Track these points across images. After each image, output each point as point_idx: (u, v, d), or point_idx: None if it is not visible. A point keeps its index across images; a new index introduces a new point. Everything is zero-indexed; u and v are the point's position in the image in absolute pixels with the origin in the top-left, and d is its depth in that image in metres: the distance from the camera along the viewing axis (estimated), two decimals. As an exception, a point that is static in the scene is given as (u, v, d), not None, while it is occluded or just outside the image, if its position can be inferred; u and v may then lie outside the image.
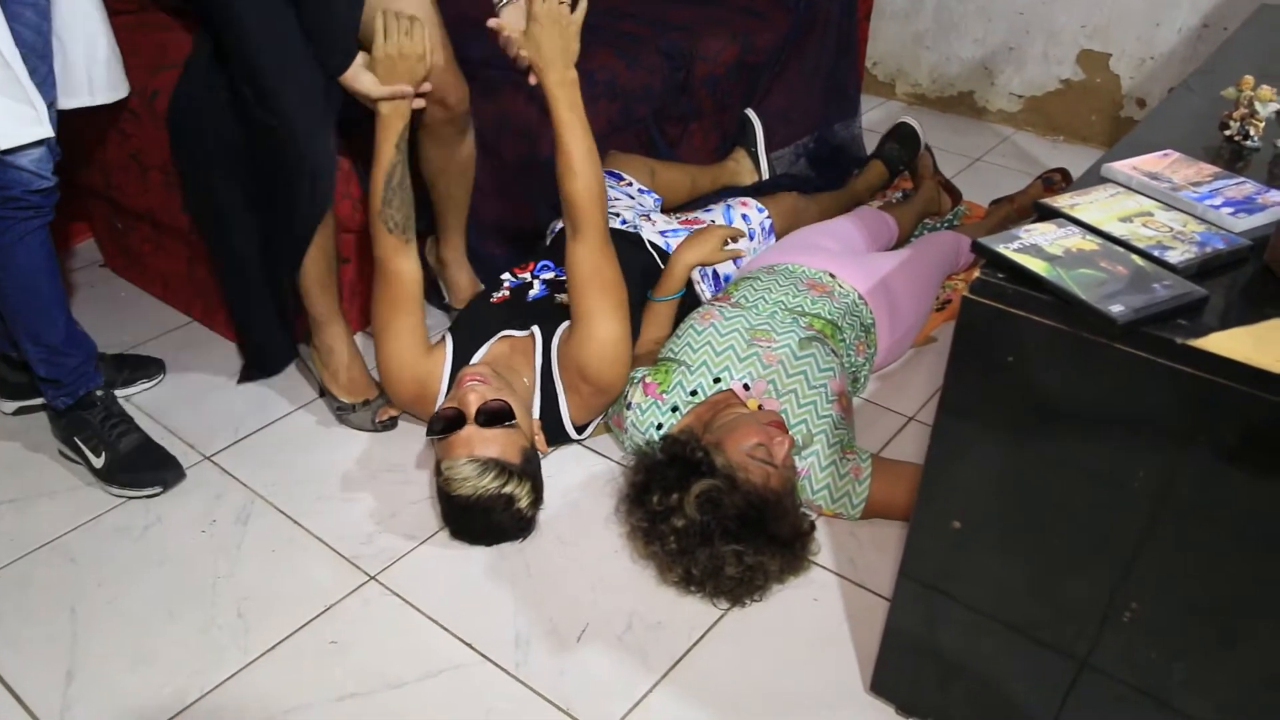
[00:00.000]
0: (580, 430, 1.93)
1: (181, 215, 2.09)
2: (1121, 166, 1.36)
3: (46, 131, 1.59)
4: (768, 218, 2.32)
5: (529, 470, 1.72)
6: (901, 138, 2.79)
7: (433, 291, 2.35)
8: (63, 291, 1.80)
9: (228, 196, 1.92)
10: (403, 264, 1.85)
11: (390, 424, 2.06)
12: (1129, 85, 3.14)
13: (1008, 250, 1.12)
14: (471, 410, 1.66)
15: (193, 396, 2.14)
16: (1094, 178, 1.38)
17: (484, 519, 1.69)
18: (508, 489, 1.65)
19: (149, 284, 2.47)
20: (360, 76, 1.72)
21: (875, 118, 3.41)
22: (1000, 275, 1.10)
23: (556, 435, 1.89)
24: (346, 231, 2.12)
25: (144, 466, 1.88)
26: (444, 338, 1.94)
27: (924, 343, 2.22)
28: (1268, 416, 0.98)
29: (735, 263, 2.21)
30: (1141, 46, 3.08)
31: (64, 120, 1.71)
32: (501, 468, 1.65)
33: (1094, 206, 1.25)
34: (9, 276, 1.70)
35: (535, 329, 1.91)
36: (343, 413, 2.07)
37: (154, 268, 2.40)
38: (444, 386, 1.89)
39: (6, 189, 1.61)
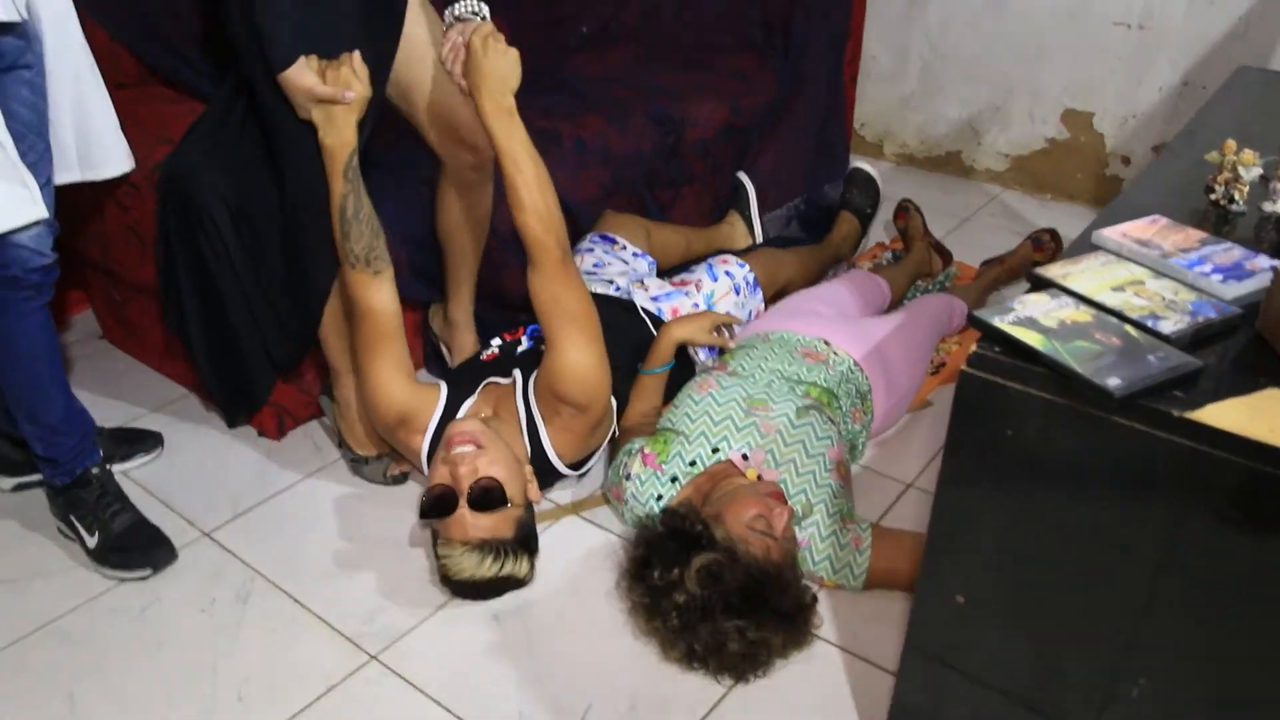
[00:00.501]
0: (571, 466, 1.92)
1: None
2: (1111, 234, 1.38)
3: (42, 212, 1.60)
4: (750, 272, 2.34)
5: (524, 539, 1.73)
6: (860, 183, 2.85)
7: (435, 359, 2.37)
8: (62, 370, 1.80)
9: (214, 256, 1.89)
10: (374, 297, 1.82)
11: (401, 479, 2.07)
12: (1113, 143, 3.19)
13: (1003, 323, 1.13)
14: (464, 487, 1.66)
15: (191, 471, 2.13)
16: (1084, 245, 1.40)
17: (486, 592, 1.73)
18: (506, 569, 1.66)
19: (147, 356, 2.47)
20: (304, 74, 1.66)
21: (865, 179, 3.45)
22: (997, 348, 1.11)
23: (547, 475, 1.90)
24: None
25: (135, 547, 1.87)
26: (438, 384, 1.96)
27: (920, 407, 2.23)
28: (1265, 486, 0.99)
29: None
30: (1123, 105, 3.13)
31: (62, 193, 1.72)
32: (498, 549, 1.65)
33: (1086, 275, 1.26)
34: (8, 357, 1.70)
35: (516, 372, 1.93)
36: (356, 465, 2.08)
37: (151, 340, 2.41)
38: (431, 428, 1.89)
39: (5, 268, 1.62)
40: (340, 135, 1.71)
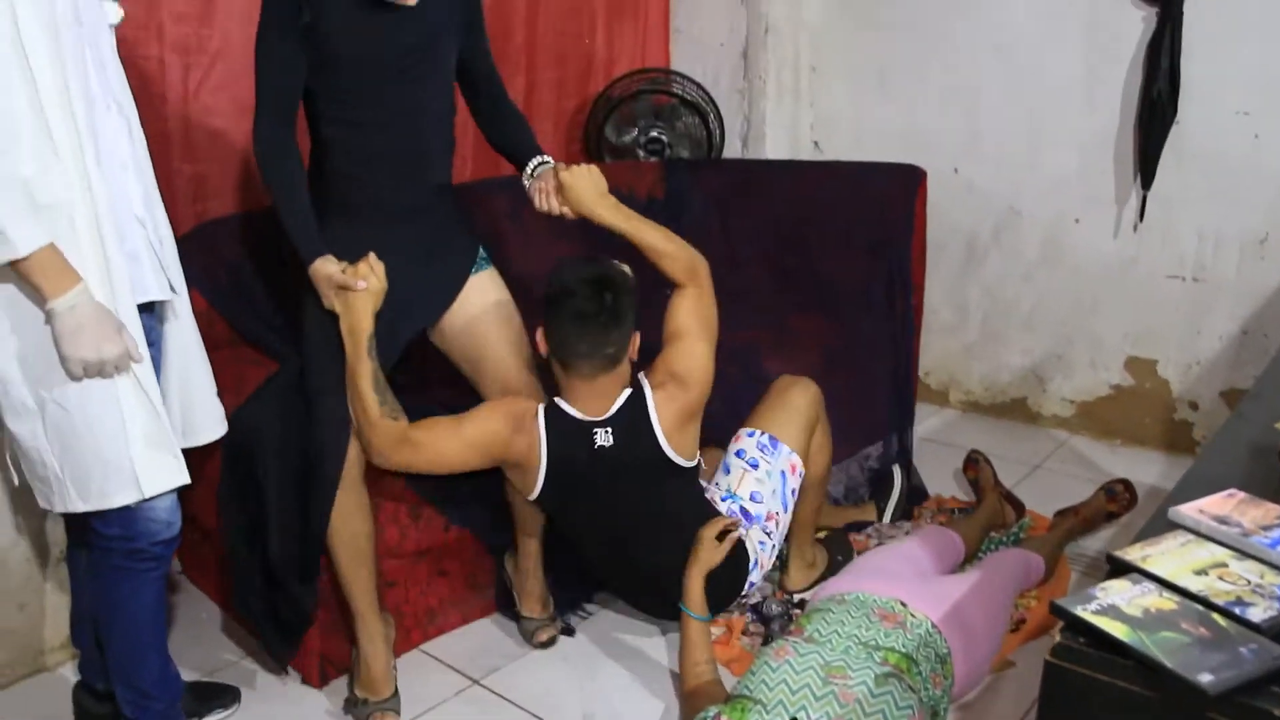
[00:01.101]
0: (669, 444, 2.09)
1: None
2: (1189, 510, 1.39)
3: (186, 478, 1.69)
4: (763, 434, 2.25)
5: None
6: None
7: (506, 600, 2.38)
8: (164, 635, 1.84)
9: (269, 500, 2.02)
10: (407, 428, 1.97)
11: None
12: (1179, 389, 3.21)
13: (1086, 613, 1.13)
14: None
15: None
16: (1162, 521, 1.41)
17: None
18: None
19: (216, 596, 2.51)
20: (326, 263, 1.94)
21: (932, 426, 3.49)
22: (1081, 639, 1.11)
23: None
24: (391, 556, 2.17)
25: None
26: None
27: (1002, 668, 2.17)
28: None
29: (766, 536, 2.23)
30: (1185, 353, 3.18)
31: None
32: None
33: (1167, 558, 1.27)
34: (116, 623, 1.75)
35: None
36: (349, 705, 2.10)
37: (216, 581, 2.46)
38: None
39: (132, 540, 1.68)
40: (357, 320, 1.93)
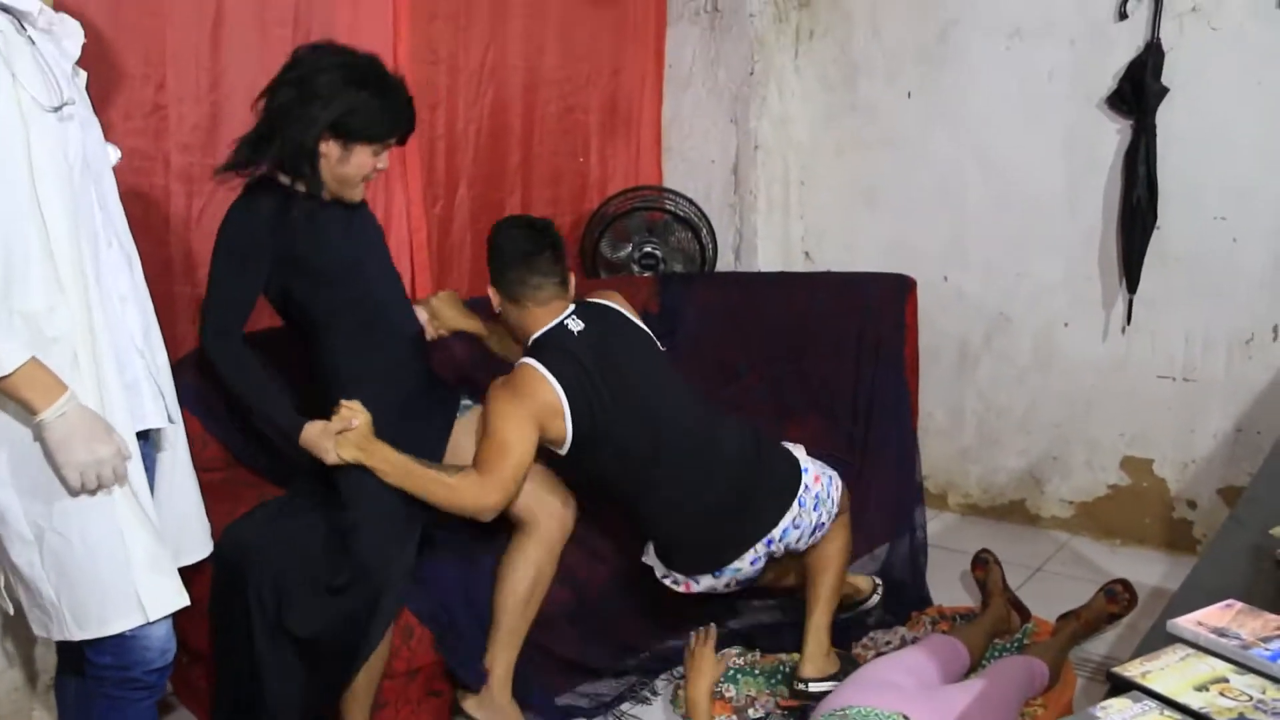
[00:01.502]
0: None
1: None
2: (1187, 623, 1.39)
3: (186, 599, 1.68)
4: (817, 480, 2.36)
5: None
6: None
7: None
8: None
9: (258, 620, 2.04)
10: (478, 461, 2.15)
11: None
12: (1176, 488, 3.22)
13: (1089, 735, 1.13)
14: None
15: None
16: (1161, 634, 1.41)
17: None
18: None
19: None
20: (312, 425, 2.08)
21: (931, 530, 3.44)
22: (1085, 762, 1.10)
23: None
24: (382, 676, 2.14)
25: None
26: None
27: (1012, 780, 2.13)
28: None
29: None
30: (1180, 452, 3.19)
31: None
32: None
33: (1167, 674, 1.26)
34: None
35: None
36: None
37: (206, 704, 2.41)
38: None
39: (126, 669, 1.66)
40: (383, 455, 2.07)
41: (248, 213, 2.11)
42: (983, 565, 2.85)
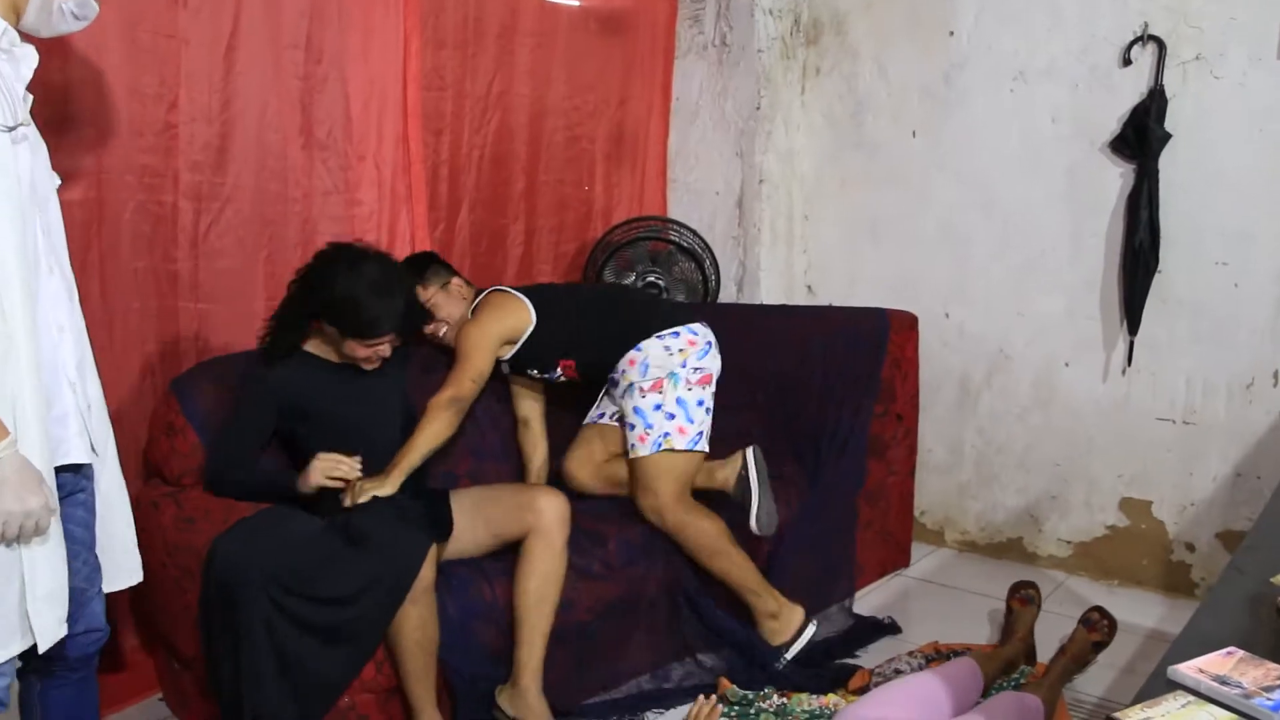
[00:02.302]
0: None
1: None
2: (1188, 670, 1.39)
3: (63, 631, 1.65)
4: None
5: None
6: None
7: None
8: None
9: (246, 631, 2.04)
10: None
11: None
12: (1174, 530, 3.21)
13: (1090, 781, 1.12)
14: None
15: None
16: (1161, 680, 1.41)
17: None
18: None
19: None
20: (305, 478, 2.27)
21: (928, 566, 3.48)
22: (1087, 809, 1.10)
23: None
24: (365, 691, 2.16)
25: None
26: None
27: (1008, 823, 2.12)
28: None
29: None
30: (1179, 494, 3.19)
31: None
32: None
33: (1168, 720, 1.26)
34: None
35: None
36: None
37: (201, 713, 2.41)
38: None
39: (49, 662, 1.69)
40: (390, 480, 2.31)
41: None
42: (1025, 600, 2.82)
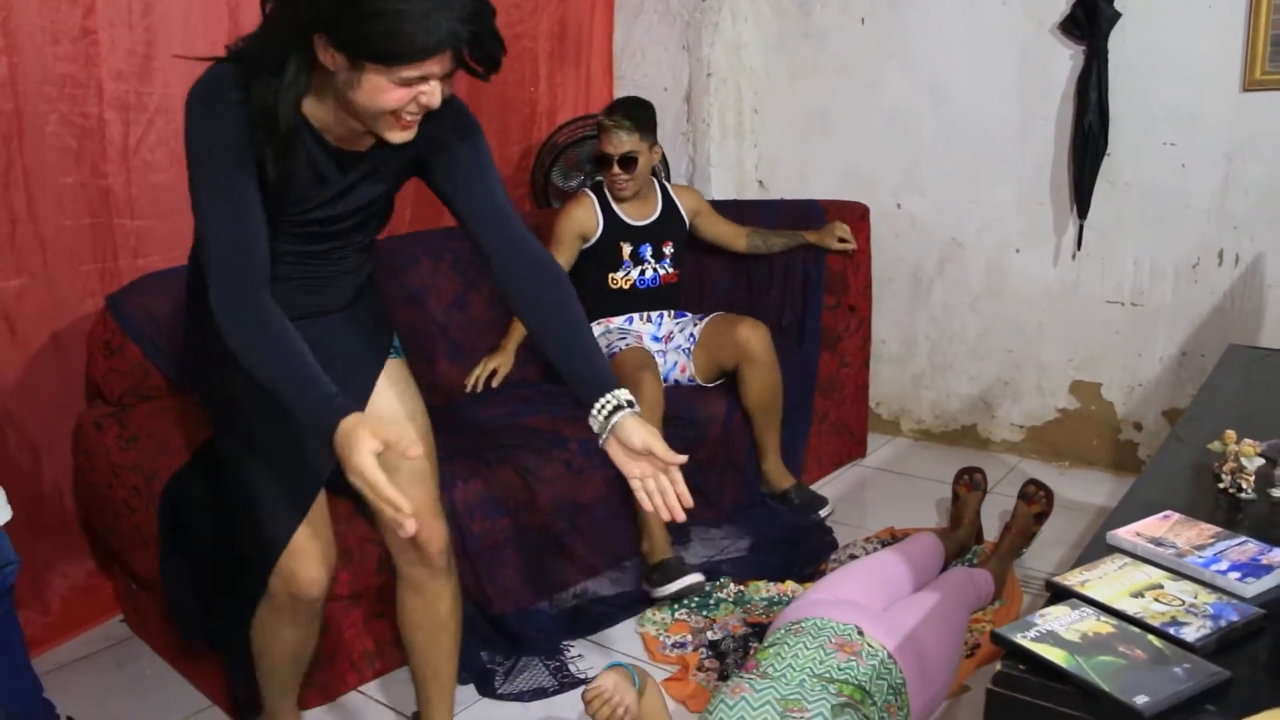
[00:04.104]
0: None
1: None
2: (1125, 534, 1.42)
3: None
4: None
5: None
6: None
7: None
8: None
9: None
10: None
11: None
12: (1123, 411, 3.27)
13: (1026, 640, 1.15)
14: None
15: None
16: (1100, 545, 1.44)
17: None
18: None
19: (158, 646, 2.48)
20: (360, 424, 1.42)
21: (884, 455, 3.54)
22: (1022, 666, 1.13)
23: None
24: (331, 599, 2.01)
25: None
26: None
27: (957, 693, 2.19)
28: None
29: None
30: (1128, 375, 3.25)
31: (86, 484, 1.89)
32: None
33: (1104, 582, 1.29)
34: None
35: None
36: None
37: (158, 631, 2.44)
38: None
39: None
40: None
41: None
42: (970, 485, 2.87)
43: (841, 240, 3.10)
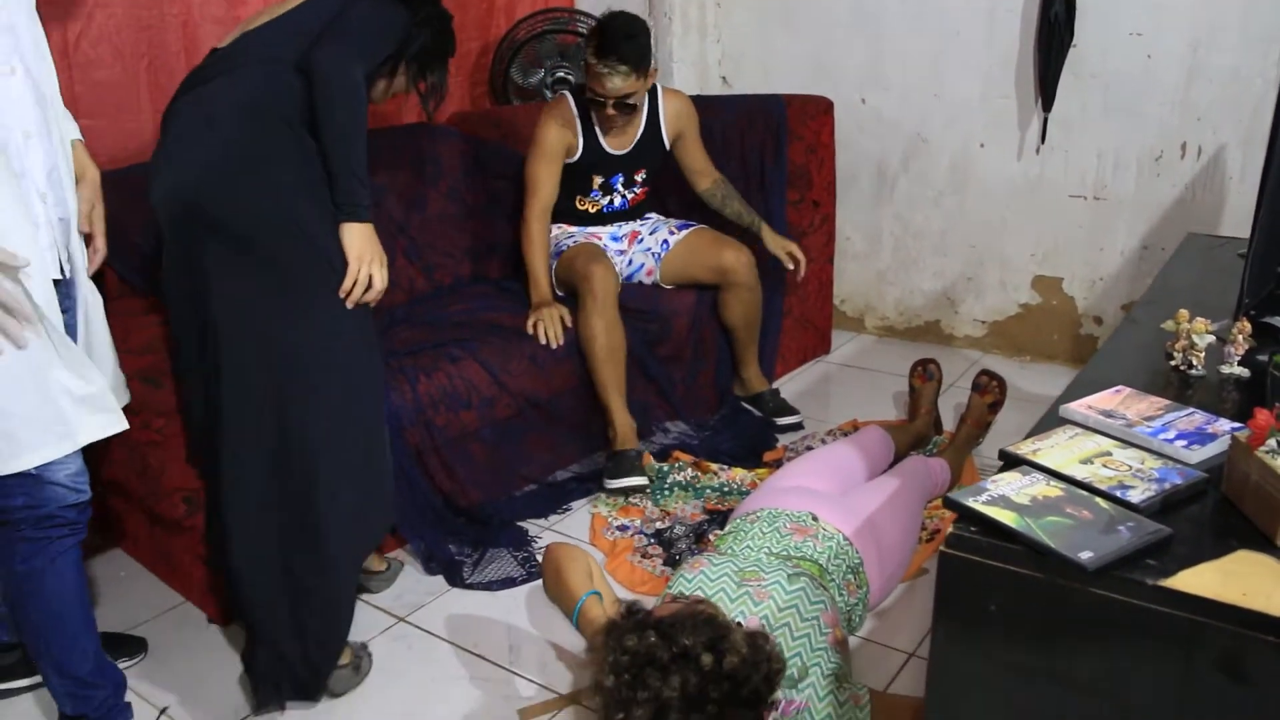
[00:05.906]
0: None
1: (165, 501, 2.13)
2: (1078, 406, 1.45)
3: (75, 444, 1.60)
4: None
5: None
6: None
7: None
8: (93, 618, 1.76)
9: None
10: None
11: None
12: (1084, 305, 3.31)
13: (978, 504, 1.18)
14: None
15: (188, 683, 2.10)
16: (1053, 419, 1.47)
17: None
18: None
19: (141, 556, 2.47)
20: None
21: (848, 351, 3.56)
22: (973, 529, 1.16)
23: None
24: None
25: None
26: None
27: (916, 575, 2.25)
28: (1240, 646, 1.01)
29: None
30: (1089, 269, 3.27)
31: None
32: None
33: (1055, 450, 1.32)
34: (37, 604, 1.67)
35: None
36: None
37: (144, 541, 2.43)
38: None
39: (39, 506, 1.61)
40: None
41: None
42: (924, 376, 2.90)
43: (790, 255, 2.91)
